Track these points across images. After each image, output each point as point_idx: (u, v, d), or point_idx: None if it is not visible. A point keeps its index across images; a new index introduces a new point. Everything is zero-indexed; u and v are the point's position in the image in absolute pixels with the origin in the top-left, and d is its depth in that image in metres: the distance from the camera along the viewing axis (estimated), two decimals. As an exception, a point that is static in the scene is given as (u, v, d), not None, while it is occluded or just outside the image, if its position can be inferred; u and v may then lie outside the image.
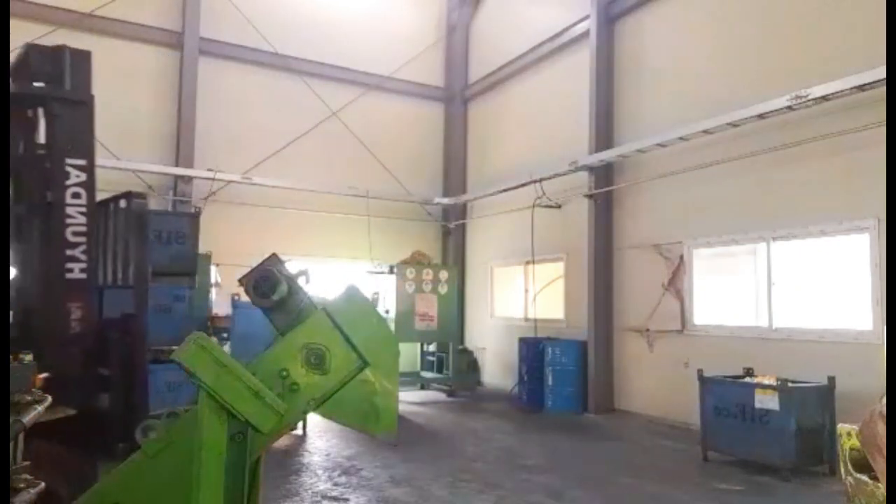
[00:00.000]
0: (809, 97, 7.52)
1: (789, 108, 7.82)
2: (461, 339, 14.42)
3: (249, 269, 2.48)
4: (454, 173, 15.66)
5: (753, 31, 8.86)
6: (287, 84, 13.88)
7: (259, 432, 2.22)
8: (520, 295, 13.17)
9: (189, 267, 9.07)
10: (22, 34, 11.17)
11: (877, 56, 6.72)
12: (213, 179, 12.49)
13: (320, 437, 8.36)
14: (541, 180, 11.89)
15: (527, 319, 12.68)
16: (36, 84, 3.75)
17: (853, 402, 6.41)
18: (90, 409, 3.64)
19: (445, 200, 15.26)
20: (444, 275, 12.75)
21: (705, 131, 8.90)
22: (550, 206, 12.00)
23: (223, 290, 11.14)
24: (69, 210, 3.69)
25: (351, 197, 13.95)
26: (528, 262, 12.45)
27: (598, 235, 10.94)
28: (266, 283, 2.41)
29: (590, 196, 11.04)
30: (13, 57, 3.97)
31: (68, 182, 3.70)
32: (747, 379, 7.41)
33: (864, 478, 3.34)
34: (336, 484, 6.29)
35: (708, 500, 5.98)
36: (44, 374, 2.40)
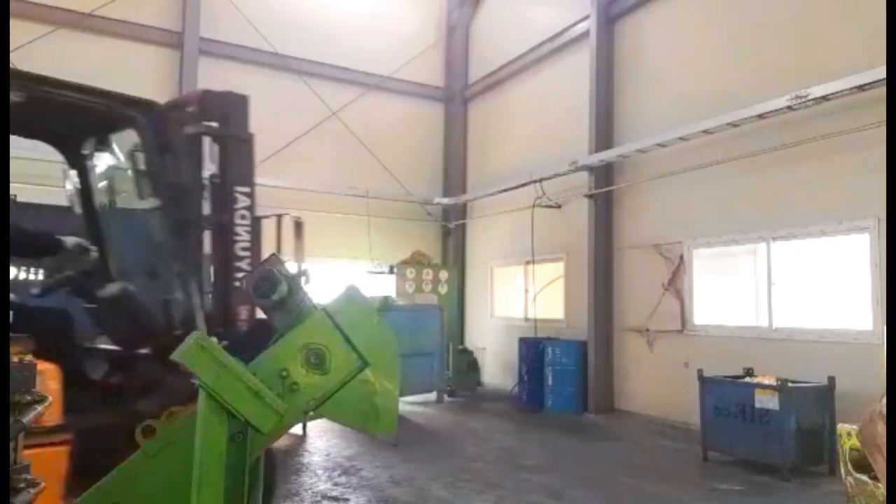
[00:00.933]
0: (809, 97, 7.52)
1: (789, 108, 7.82)
2: (461, 339, 14.42)
3: (249, 270, 2.48)
4: (454, 173, 15.66)
5: (753, 31, 8.86)
6: (287, 84, 13.88)
7: (259, 432, 2.22)
8: (520, 295, 13.17)
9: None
10: (22, 34, 11.21)
11: (877, 56, 6.72)
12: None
13: (320, 437, 8.36)
14: (541, 180, 11.89)
15: (527, 319, 12.68)
16: (209, 123, 4.50)
17: (853, 402, 6.41)
18: None
19: (445, 200, 15.26)
20: (444, 275, 12.76)
21: (705, 131, 8.90)
22: (550, 206, 12.01)
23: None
24: (237, 229, 4.42)
25: (351, 197, 13.95)
26: (528, 262, 12.45)
27: (598, 235, 10.94)
28: (266, 283, 2.41)
29: (590, 196, 11.04)
30: (192, 99, 4.86)
31: (237, 206, 4.44)
32: (747, 379, 7.41)
33: (864, 478, 3.34)
34: (336, 484, 6.29)
35: (708, 500, 5.98)
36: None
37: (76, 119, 4.08)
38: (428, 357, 11.13)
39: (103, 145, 4.37)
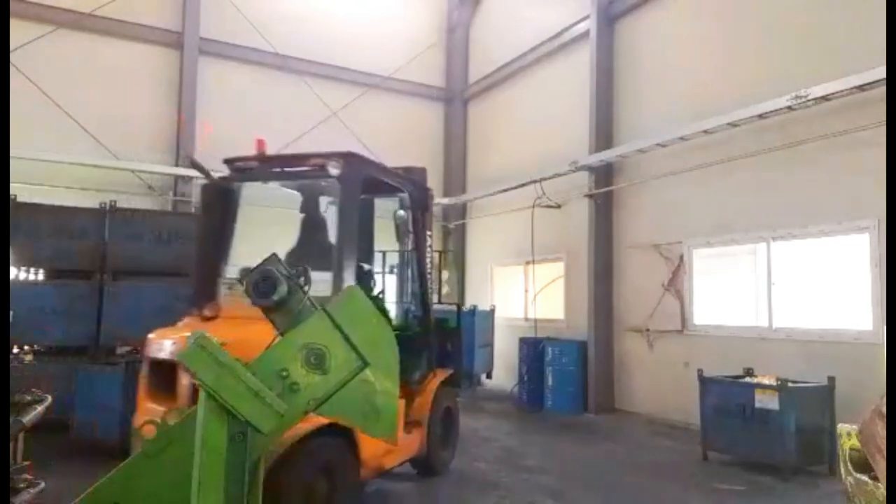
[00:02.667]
0: (809, 97, 7.52)
1: (789, 108, 7.82)
2: (461, 339, 14.40)
3: (249, 269, 2.48)
4: (454, 173, 15.66)
5: (753, 31, 8.86)
6: (287, 84, 13.88)
7: (259, 432, 2.22)
8: (520, 295, 13.16)
9: (189, 267, 9.06)
10: (22, 34, 11.21)
11: (877, 56, 6.71)
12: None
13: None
14: (541, 180, 11.88)
15: (527, 319, 12.68)
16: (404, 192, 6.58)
17: (853, 402, 6.40)
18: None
19: (445, 200, 15.25)
20: (444, 275, 12.73)
21: (705, 131, 8.90)
22: (550, 206, 12.00)
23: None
24: (426, 259, 6.61)
25: (351, 197, 13.92)
26: (528, 262, 12.45)
27: (598, 235, 10.94)
28: (266, 283, 2.42)
29: (590, 196, 11.04)
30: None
31: (427, 244, 6.63)
32: (747, 379, 7.41)
33: (864, 478, 3.34)
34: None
35: (708, 500, 5.98)
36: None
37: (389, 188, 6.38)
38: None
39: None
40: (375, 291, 6.00)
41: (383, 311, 5.61)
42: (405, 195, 6.53)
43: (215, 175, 5.97)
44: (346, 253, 5.06)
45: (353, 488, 4.89)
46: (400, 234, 6.69)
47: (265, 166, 5.85)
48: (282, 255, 5.12)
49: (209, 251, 5.77)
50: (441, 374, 6.57)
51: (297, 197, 6.40)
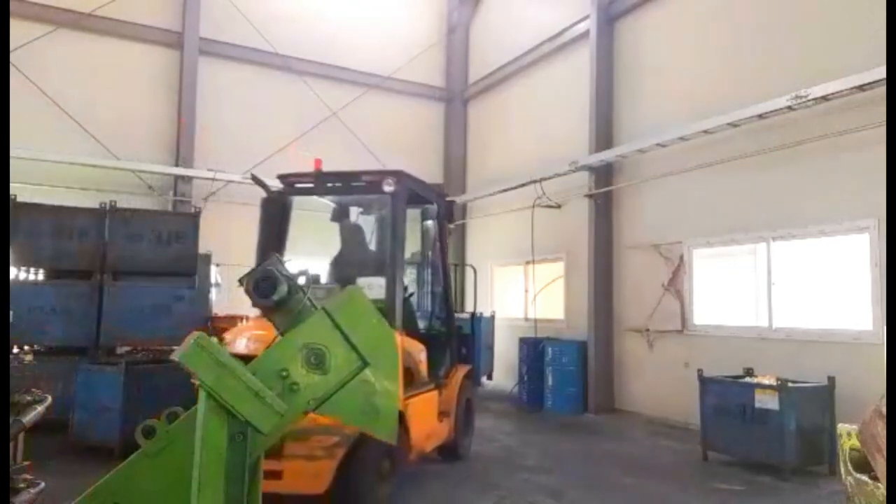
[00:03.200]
0: (809, 97, 7.52)
1: (789, 108, 7.82)
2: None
3: (249, 269, 2.48)
4: (454, 173, 15.66)
5: (753, 31, 8.86)
6: (287, 84, 13.89)
7: (259, 432, 2.21)
8: (520, 295, 13.17)
9: (189, 267, 9.08)
10: (22, 34, 11.21)
11: (877, 56, 6.72)
12: (213, 179, 12.49)
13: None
14: (541, 180, 11.88)
15: (527, 319, 12.68)
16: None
17: (853, 402, 6.41)
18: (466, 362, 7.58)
19: (446, 199, 15.23)
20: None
21: (705, 131, 8.90)
22: (550, 206, 12.00)
23: (223, 290, 11.16)
24: (448, 266, 7.44)
25: (351, 197, 13.93)
26: (528, 262, 12.45)
27: (598, 235, 10.94)
28: (266, 283, 2.41)
29: (590, 196, 11.04)
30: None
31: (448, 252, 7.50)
32: (747, 379, 7.41)
33: (864, 478, 3.34)
34: (336, 484, 6.28)
35: (708, 500, 5.98)
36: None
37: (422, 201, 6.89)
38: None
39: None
40: (406, 294, 6.36)
41: (412, 313, 6.51)
42: (433, 207, 7.09)
43: (273, 187, 6.64)
44: (397, 260, 5.86)
45: (405, 467, 5.74)
46: (427, 242, 7.21)
47: (321, 182, 6.58)
48: (331, 260, 6.55)
49: (267, 255, 6.29)
50: (462, 370, 7.30)
51: (343, 208, 7.22)
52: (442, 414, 6.61)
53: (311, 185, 6.59)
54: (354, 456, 4.89)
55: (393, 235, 5.96)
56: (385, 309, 5.82)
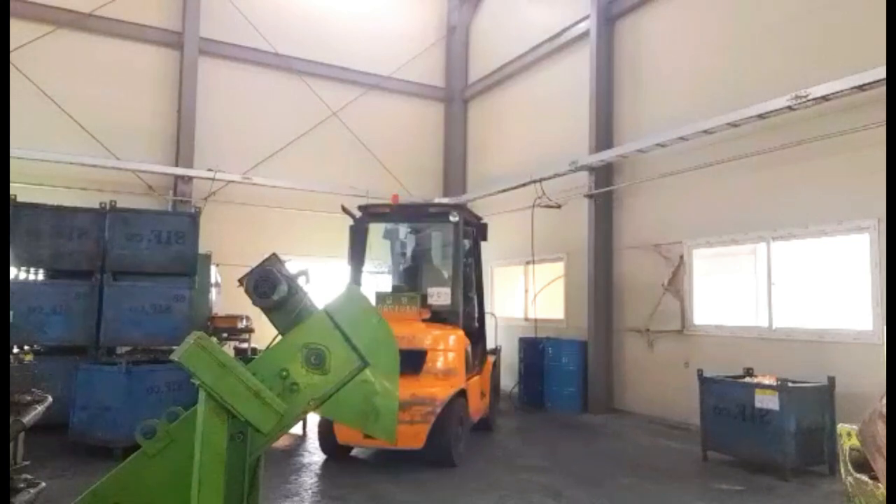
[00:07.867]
0: (809, 97, 7.52)
1: (789, 108, 7.82)
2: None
3: (249, 269, 2.48)
4: (454, 173, 15.66)
5: (753, 31, 8.86)
6: (287, 84, 13.88)
7: (259, 432, 2.22)
8: (520, 295, 13.17)
9: (189, 267, 9.07)
10: (22, 34, 11.21)
11: (877, 56, 6.72)
12: (213, 179, 12.49)
13: (320, 437, 8.34)
14: (541, 180, 11.88)
15: (527, 319, 12.68)
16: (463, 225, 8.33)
17: (853, 402, 6.42)
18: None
19: (445, 200, 15.23)
20: (444, 275, 12.74)
21: (705, 131, 8.90)
22: (550, 206, 12.00)
23: (223, 290, 11.15)
24: (482, 275, 8.97)
25: (351, 197, 13.92)
26: (528, 262, 12.44)
27: (598, 235, 10.94)
28: (266, 283, 2.41)
29: (590, 196, 11.04)
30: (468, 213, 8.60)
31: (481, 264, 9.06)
32: (747, 379, 7.41)
33: (864, 478, 3.34)
34: (336, 484, 6.29)
35: (708, 500, 5.97)
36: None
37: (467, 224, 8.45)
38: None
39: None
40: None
41: (453, 313, 7.88)
42: (472, 229, 8.80)
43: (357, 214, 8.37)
44: (459, 273, 7.91)
45: (469, 428, 7.60)
46: (465, 256, 8.64)
47: (396, 211, 8.55)
48: (401, 270, 9.30)
49: (357, 267, 8.48)
50: (490, 360, 9.00)
51: (414, 231, 9.13)
52: (483, 393, 8.27)
53: (387, 213, 8.44)
54: (440, 421, 6.55)
55: (455, 254, 7.93)
56: (450, 312, 7.61)
